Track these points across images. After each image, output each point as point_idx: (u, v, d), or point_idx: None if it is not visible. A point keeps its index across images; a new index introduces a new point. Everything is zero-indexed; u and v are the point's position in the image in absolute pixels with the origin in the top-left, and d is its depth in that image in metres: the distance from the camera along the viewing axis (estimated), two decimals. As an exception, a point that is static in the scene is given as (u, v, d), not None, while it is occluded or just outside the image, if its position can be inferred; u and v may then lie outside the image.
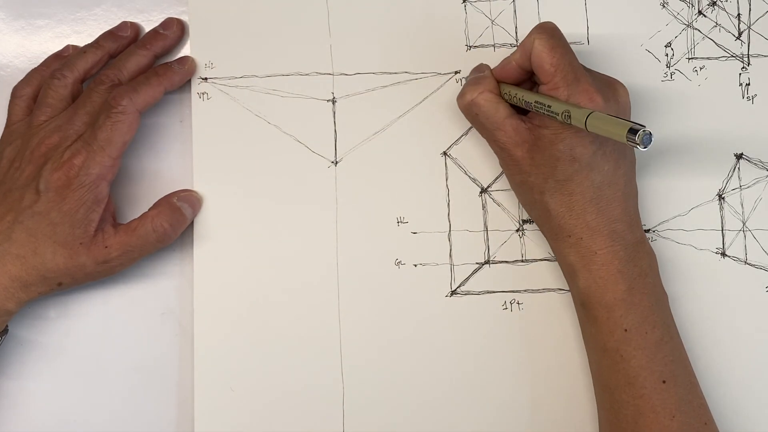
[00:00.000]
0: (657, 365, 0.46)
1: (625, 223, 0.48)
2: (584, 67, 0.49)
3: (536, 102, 0.48)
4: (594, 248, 0.48)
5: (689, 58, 0.54)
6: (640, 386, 0.46)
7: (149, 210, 0.53)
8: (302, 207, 0.54)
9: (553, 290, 0.53)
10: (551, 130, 0.48)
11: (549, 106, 0.47)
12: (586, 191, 0.48)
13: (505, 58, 0.51)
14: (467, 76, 0.53)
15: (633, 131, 0.42)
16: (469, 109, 0.50)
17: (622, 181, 0.49)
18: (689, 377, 0.48)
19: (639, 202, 0.52)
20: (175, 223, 0.52)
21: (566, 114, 0.46)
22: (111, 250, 0.51)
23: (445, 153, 0.54)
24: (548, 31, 0.48)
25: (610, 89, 0.49)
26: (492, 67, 0.52)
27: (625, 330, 0.47)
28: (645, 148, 0.42)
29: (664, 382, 0.46)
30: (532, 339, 0.53)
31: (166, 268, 0.54)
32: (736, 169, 0.53)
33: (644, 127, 0.42)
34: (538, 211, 0.50)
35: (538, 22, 0.50)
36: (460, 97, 0.51)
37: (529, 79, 0.51)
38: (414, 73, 0.55)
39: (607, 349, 0.47)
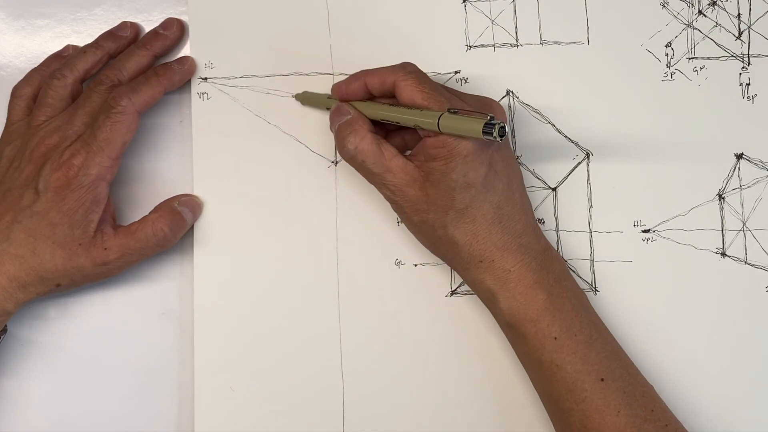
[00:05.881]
0: (592, 365, 0.46)
1: (530, 234, 0.48)
2: (456, 91, 0.50)
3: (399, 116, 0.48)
4: (507, 266, 0.48)
5: (689, 58, 0.54)
6: (581, 390, 0.46)
7: (150, 213, 0.53)
8: (302, 207, 0.54)
9: (553, 290, 0.53)
10: (440, 162, 0.47)
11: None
12: (486, 214, 0.47)
13: (349, 78, 0.51)
14: (332, 121, 0.51)
15: (489, 125, 0.44)
16: (354, 159, 0.49)
17: (516, 195, 0.49)
18: (627, 368, 0.48)
19: (639, 202, 0.52)
20: (175, 227, 0.52)
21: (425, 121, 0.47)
22: (110, 252, 0.51)
23: (445, 153, 0.54)
24: (412, 73, 0.49)
25: (485, 108, 0.49)
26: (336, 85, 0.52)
27: (555, 338, 0.47)
28: (501, 138, 0.44)
29: (602, 380, 0.46)
30: (532, 339, 0.52)
31: (166, 268, 0.54)
32: (736, 169, 0.53)
33: (493, 118, 0.44)
34: (444, 246, 0.49)
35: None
36: (341, 148, 0.49)
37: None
38: (414, 73, 0.55)
39: (543, 362, 0.47)
